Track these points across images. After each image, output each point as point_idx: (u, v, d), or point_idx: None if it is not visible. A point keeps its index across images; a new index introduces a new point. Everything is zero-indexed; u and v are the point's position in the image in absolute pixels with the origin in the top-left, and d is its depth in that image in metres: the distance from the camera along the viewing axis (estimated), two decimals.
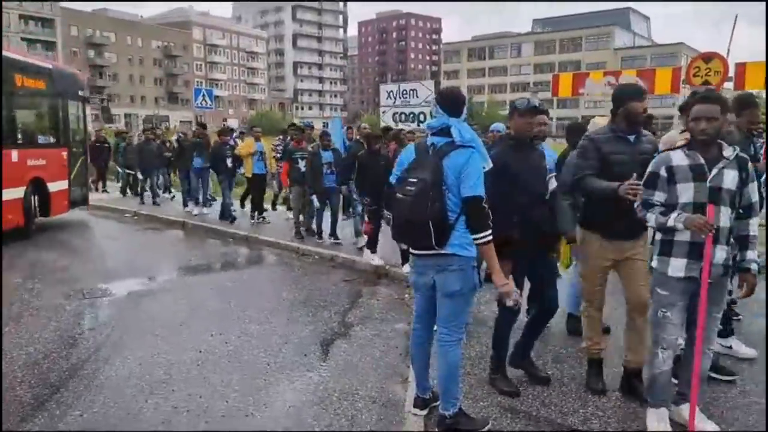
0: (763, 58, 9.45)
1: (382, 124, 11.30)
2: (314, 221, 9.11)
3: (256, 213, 10.82)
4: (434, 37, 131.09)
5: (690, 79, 9.96)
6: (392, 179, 3.41)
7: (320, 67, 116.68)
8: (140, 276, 7.26)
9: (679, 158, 3.17)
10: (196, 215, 11.45)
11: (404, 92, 11.55)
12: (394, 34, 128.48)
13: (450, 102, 3.30)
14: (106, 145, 15.65)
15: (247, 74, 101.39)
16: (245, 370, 4.42)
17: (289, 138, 10.02)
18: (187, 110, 76.83)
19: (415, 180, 3.13)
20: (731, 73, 9.57)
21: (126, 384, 4.15)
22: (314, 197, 8.64)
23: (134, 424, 3.61)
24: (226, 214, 10.79)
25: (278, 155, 11.25)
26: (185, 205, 12.09)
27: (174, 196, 14.10)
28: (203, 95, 15.58)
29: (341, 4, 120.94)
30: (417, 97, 11.26)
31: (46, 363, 4.49)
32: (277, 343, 4.98)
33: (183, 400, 3.91)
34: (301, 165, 8.89)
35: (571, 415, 3.59)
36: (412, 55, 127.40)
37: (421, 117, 10.93)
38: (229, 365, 4.51)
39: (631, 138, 3.65)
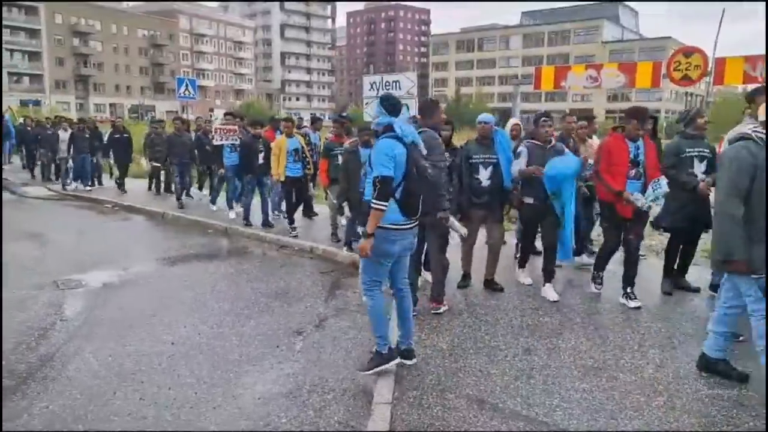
0: (741, 53, 9.50)
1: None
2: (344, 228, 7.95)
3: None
4: (423, 28, 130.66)
5: (670, 73, 10.00)
6: (390, 172, 3.79)
7: (308, 57, 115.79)
8: (116, 267, 7.20)
9: None
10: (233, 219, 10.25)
11: (387, 84, 11.43)
12: (383, 25, 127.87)
13: (391, 106, 4.06)
14: (126, 135, 13.88)
15: (234, 64, 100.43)
16: (216, 361, 4.41)
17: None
18: (174, 100, 75.80)
19: (428, 164, 4.08)
20: (711, 67, 9.61)
21: (95, 376, 4.13)
22: (345, 205, 7.44)
23: (100, 415, 3.60)
24: (246, 218, 9.61)
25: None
26: (230, 207, 10.55)
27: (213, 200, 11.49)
28: (186, 85, 15.38)
29: None
30: (400, 88, 11.17)
31: (14, 354, 4.46)
32: (250, 335, 4.97)
33: (151, 392, 3.90)
34: (341, 162, 7.82)
35: (537, 406, 3.62)
36: (401, 47, 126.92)
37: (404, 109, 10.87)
38: (200, 357, 4.50)
39: None
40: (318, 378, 4.15)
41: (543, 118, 5.84)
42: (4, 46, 64.50)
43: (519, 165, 5.75)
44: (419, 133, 5.04)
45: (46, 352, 4.54)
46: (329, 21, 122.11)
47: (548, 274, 5.93)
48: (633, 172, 5.38)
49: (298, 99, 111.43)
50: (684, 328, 4.99)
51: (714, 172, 5.57)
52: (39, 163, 16.39)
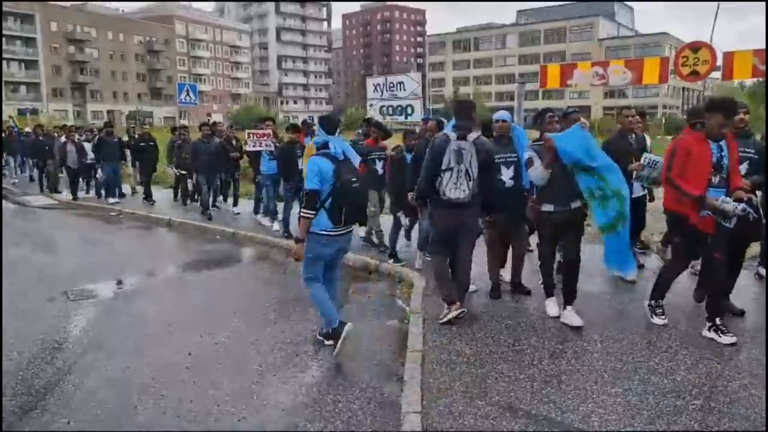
0: (745, 48, 9.41)
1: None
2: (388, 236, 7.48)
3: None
4: (419, 29, 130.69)
5: (678, 69, 9.92)
6: (315, 186, 4.37)
7: (305, 60, 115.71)
8: (126, 276, 7.11)
9: None
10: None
11: (391, 85, 11.38)
12: (379, 27, 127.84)
13: (328, 125, 4.56)
14: (152, 143, 13.08)
15: (231, 69, 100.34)
16: (236, 371, 4.32)
17: (360, 134, 8.48)
18: (171, 106, 75.97)
19: (356, 179, 4.46)
20: (719, 62, 9.53)
21: (114, 389, 4.04)
22: (401, 215, 7.15)
23: (124, 430, 3.51)
24: (287, 228, 8.93)
25: None
26: (265, 214, 10.19)
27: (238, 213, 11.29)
28: (187, 90, 15.27)
29: None
30: (404, 89, 11.10)
31: (30, 369, 4.36)
32: (268, 343, 4.88)
33: (172, 404, 3.81)
34: (379, 167, 7.67)
35: (571, 412, 3.53)
36: (397, 48, 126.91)
37: (409, 110, 10.79)
38: (219, 367, 4.41)
39: None
40: (341, 387, 4.06)
41: (548, 114, 5.31)
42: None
43: (538, 169, 4.98)
44: (477, 139, 5.00)
45: (62, 365, 4.44)
46: (325, 23, 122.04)
47: (569, 294, 5.09)
48: (717, 178, 4.47)
49: (295, 102, 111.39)
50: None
51: (758, 174, 5.14)
52: (45, 173, 15.44)
